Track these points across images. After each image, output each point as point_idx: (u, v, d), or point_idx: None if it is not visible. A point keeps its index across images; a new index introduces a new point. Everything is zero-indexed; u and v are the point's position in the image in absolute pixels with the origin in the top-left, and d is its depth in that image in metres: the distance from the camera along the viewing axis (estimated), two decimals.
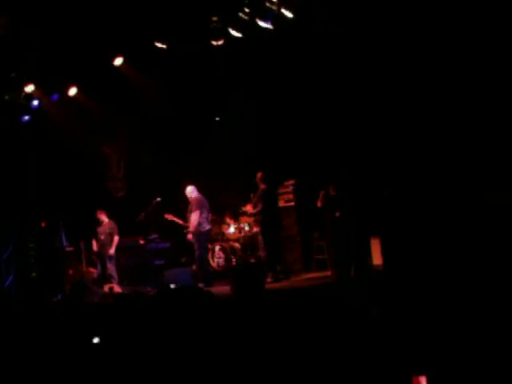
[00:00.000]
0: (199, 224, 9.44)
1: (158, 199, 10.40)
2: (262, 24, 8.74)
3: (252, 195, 9.69)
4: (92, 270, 10.35)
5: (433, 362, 5.98)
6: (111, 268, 10.18)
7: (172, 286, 8.36)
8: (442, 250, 7.28)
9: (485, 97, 7.80)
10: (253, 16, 8.78)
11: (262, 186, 9.32)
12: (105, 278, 10.08)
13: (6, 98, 10.70)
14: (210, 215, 9.93)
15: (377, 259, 8.65)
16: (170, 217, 10.24)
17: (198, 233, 9.48)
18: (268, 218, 9.23)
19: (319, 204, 8.80)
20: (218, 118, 11.82)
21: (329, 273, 9.09)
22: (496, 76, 7.69)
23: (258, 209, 9.27)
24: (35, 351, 6.57)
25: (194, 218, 9.43)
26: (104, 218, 10.41)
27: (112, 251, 10.20)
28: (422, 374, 5.90)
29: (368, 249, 8.73)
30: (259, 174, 9.36)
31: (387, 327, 6.51)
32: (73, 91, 10.90)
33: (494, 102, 7.75)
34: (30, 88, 10.58)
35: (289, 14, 8.69)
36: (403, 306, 6.75)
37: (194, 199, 9.58)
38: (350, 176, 8.98)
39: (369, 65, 8.86)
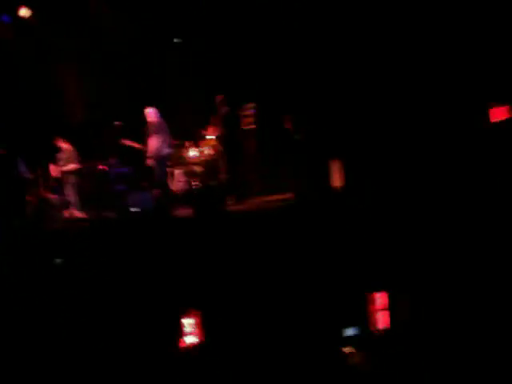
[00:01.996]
0: (158, 148, 9.35)
1: (118, 123, 10.23)
2: None
3: (212, 118, 9.62)
4: (51, 196, 10.24)
5: (392, 280, 6.24)
6: (70, 194, 10.12)
7: (133, 209, 8.38)
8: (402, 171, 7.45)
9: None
10: None
11: (223, 109, 9.25)
12: (64, 203, 10.03)
13: None
14: (170, 139, 9.82)
15: (336, 182, 8.77)
16: (127, 142, 10.10)
17: (157, 157, 9.40)
18: (229, 140, 9.23)
19: (289, 126, 8.80)
20: (176, 40, 11.53)
21: (289, 195, 9.21)
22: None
23: (220, 131, 9.25)
24: None
25: (153, 142, 9.32)
26: (63, 145, 10.24)
27: (71, 177, 10.11)
28: (379, 290, 6.16)
29: (328, 171, 8.83)
30: (219, 97, 9.27)
31: (346, 249, 6.72)
32: (24, 12, 10.49)
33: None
34: None
35: None
36: (362, 226, 6.94)
37: (152, 122, 9.43)
38: (311, 99, 8.97)
39: None
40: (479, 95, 7.15)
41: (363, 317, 6.23)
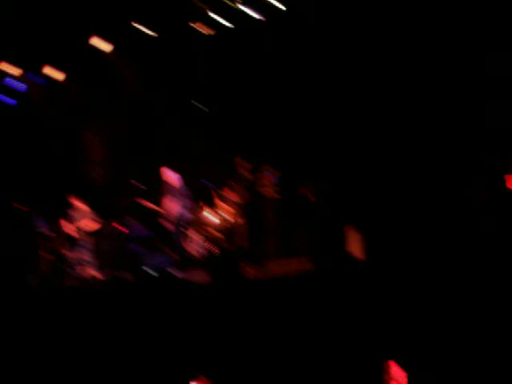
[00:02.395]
0: (177, 211, 9.38)
1: (137, 184, 10.32)
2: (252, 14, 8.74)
3: (232, 182, 9.64)
4: (68, 253, 10.25)
5: (405, 349, 6.07)
6: (85, 252, 10.12)
7: (150, 271, 8.33)
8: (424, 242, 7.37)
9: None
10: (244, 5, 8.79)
11: (245, 173, 9.32)
12: (80, 261, 10.02)
13: None
14: (189, 202, 9.86)
15: (355, 250, 8.67)
16: (145, 203, 10.14)
17: (176, 220, 9.42)
18: (254, 205, 9.24)
19: (307, 195, 8.78)
20: (195, 103, 11.73)
21: (307, 262, 9.10)
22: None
23: (242, 196, 9.26)
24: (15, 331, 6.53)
25: (172, 205, 9.37)
26: (78, 204, 10.33)
27: (85, 235, 10.13)
28: (394, 359, 5.98)
29: (346, 239, 8.75)
30: (240, 161, 9.35)
31: (363, 314, 6.58)
32: (52, 73, 10.82)
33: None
34: (11, 69, 10.50)
35: (281, 6, 8.71)
36: (381, 295, 6.81)
37: (172, 185, 9.51)
38: (327, 165, 9.02)
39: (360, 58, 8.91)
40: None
41: None
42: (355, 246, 8.63)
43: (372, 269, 7.51)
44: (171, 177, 9.55)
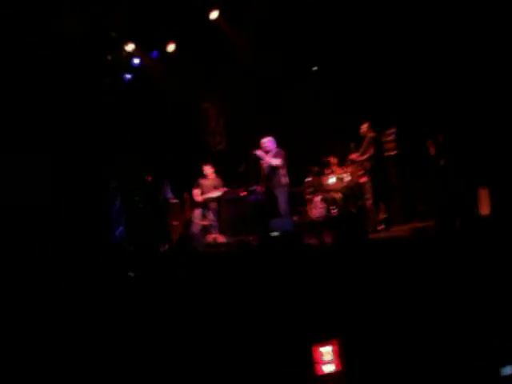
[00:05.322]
0: (284, 176, 9.44)
1: (258, 151, 10.41)
2: None
3: (352, 145, 9.53)
4: (195, 219, 10.61)
5: None
6: (212, 219, 10.45)
7: (274, 234, 8.46)
8: None
9: None
10: None
11: (371, 134, 9.21)
12: (206, 227, 10.38)
13: (109, 58, 11.04)
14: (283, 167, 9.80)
15: (484, 210, 8.31)
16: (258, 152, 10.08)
17: (282, 185, 9.48)
18: (378, 165, 9.14)
19: (432, 152, 8.51)
20: (315, 68, 11.65)
21: (431, 223, 8.86)
22: None
23: (368, 155, 9.16)
24: (149, 297, 6.85)
25: (282, 170, 9.39)
26: (209, 172, 10.64)
27: (213, 203, 10.45)
28: None
29: (475, 199, 8.40)
30: (366, 124, 9.24)
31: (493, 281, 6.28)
32: (171, 48, 11.12)
33: None
34: (130, 47, 10.88)
35: None
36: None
37: (279, 151, 9.55)
38: (456, 125, 8.64)
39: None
40: None
41: None
42: (484, 204, 8.27)
43: (502, 229, 7.15)
44: (273, 141, 9.62)
